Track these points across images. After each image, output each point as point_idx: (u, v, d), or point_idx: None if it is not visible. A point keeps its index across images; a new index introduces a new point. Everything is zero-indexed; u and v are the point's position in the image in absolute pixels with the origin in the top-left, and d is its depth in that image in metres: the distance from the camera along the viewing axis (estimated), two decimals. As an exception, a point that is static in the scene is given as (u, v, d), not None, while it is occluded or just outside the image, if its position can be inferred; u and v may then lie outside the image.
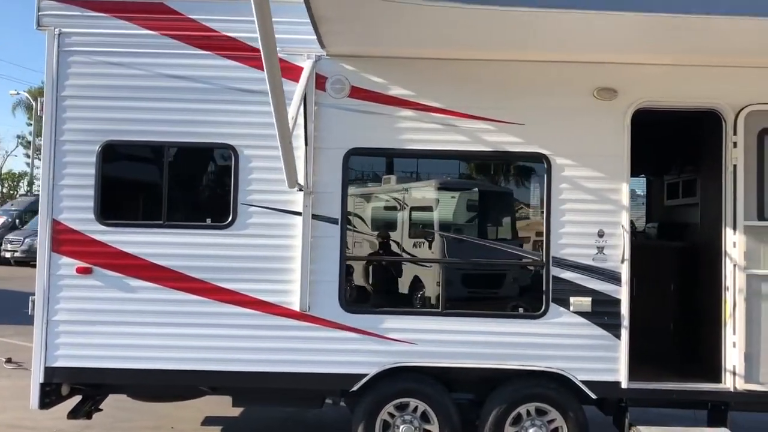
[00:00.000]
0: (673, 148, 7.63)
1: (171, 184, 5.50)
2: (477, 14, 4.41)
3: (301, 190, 5.19)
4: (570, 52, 5.35)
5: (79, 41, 5.48)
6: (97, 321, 5.40)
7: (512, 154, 5.51)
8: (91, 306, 5.41)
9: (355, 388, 5.39)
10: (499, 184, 5.76)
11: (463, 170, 5.73)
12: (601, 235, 5.43)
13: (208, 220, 5.55)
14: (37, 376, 5.37)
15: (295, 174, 4.90)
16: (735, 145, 5.44)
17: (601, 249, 5.43)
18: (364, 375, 5.37)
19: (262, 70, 5.37)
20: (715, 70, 5.47)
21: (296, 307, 5.39)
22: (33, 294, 5.44)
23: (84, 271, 5.39)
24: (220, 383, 5.49)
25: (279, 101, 4.41)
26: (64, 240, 5.42)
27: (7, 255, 25.94)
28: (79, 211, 5.43)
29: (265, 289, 5.42)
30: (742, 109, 5.43)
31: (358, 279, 5.57)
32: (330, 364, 5.39)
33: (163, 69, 5.48)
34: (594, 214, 5.46)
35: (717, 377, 5.56)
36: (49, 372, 5.38)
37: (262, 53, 4.19)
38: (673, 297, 7.23)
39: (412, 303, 5.58)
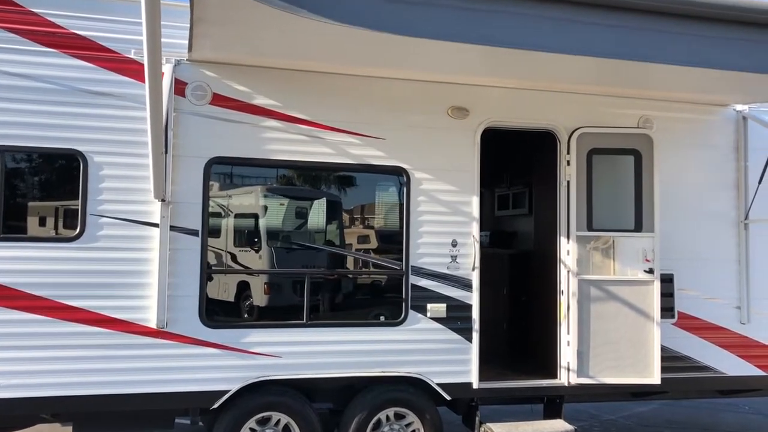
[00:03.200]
0: (505, 164, 8.29)
1: (9, 192, 4.97)
2: (342, 30, 4.48)
3: (163, 200, 4.94)
4: (426, 72, 5.63)
5: None
6: None
7: (375, 167, 5.67)
8: None
9: (215, 406, 5.22)
10: (362, 195, 5.89)
11: (325, 182, 5.78)
12: (454, 244, 5.77)
13: (53, 233, 5.08)
14: None
15: (164, 185, 4.66)
16: (568, 163, 6.04)
17: (454, 258, 5.76)
18: (226, 391, 5.24)
19: (114, 71, 5.13)
20: (551, 94, 6.05)
21: (152, 324, 5.13)
22: None
23: None
24: (63, 409, 5.05)
25: (157, 108, 4.20)
26: None
27: None
28: None
29: (118, 305, 5.09)
30: (575, 130, 6.05)
31: (220, 293, 5.41)
32: (189, 382, 5.20)
33: (1, 65, 4.94)
34: (448, 225, 5.79)
35: (552, 373, 6.13)
36: None
37: (145, 57, 3.96)
38: (505, 300, 7.87)
39: (275, 315, 5.53)
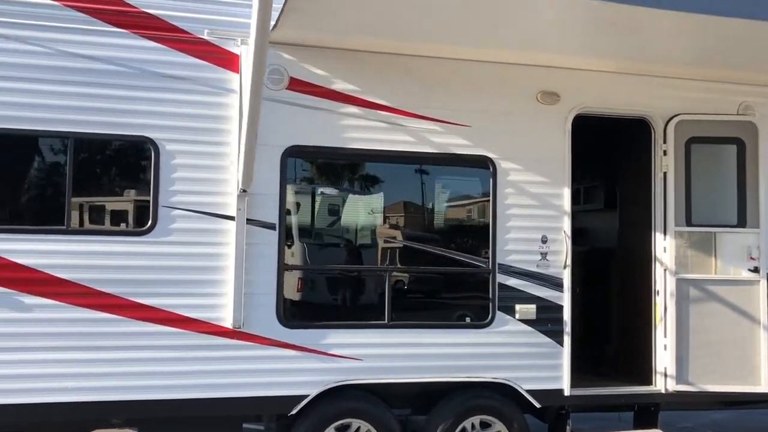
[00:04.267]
0: (576, 155, 7.87)
1: (76, 182, 4.67)
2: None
3: (244, 191, 4.61)
4: (520, 52, 5.25)
5: (-42, 7, 4.51)
6: (-17, 348, 4.46)
7: (459, 157, 5.30)
8: (-27, 330, 4.45)
9: (294, 412, 4.89)
10: (445, 187, 5.54)
11: (406, 173, 5.43)
12: (544, 240, 5.39)
13: (123, 226, 4.79)
14: None
15: (252, 174, 4.33)
16: (665, 153, 5.63)
17: (544, 255, 5.38)
18: (305, 396, 4.91)
19: (186, 53, 4.83)
20: (646, 79, 5.64)
21: (228, 324, 4.81)
22: None
23: (-37, 288, 4.43)
24: (135, 414, 4.75)
25: (257, 95, 3.85)
26: (-64, 249, 4.42)
27: None
28: (-45, 214, 4.46)
29: (191, 304, 4.78)
30: (672, 118, 5.63)
31: (298, 291, 5.08)
32: (266, 386, 4.88)
33: (68, 47, 4.65)
34: (537, 220, 5.41)
35: (646, 379, 5.72)
36: None
37: (253, 41, 3.61)
38: (578, 300, 7.45)
39: (355, 315, 5.19)
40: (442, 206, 5.56)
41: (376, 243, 5.46)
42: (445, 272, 5.48)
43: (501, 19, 4.65)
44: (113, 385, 4.64)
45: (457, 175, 5.55)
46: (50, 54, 4.63)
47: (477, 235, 5.41)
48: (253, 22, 3.59)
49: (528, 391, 5.29)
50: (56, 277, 4.57)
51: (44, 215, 4.71)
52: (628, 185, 6.56)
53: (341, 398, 5.02)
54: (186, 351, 4.76)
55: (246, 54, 4.79)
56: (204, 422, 5.07)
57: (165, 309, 4.73)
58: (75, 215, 4.67)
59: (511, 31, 4.89)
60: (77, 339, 4.59)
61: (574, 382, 5.44)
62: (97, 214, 4.79)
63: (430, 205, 5.52)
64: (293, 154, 4.99)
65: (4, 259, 4.50)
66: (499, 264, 5.29)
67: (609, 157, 7.02)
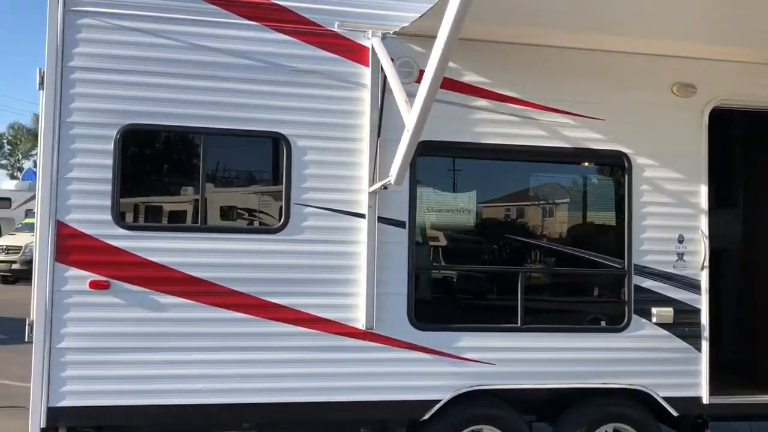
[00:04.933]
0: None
1: (209, 179, 4.62)
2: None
3: (385, 188, 4.49)
4: (655, 41, 5.02)
5: (92, 0, 4.48)
6: (117, 348, 4.44)
7: (592, 152, 5.10)
8: (109, 329, 4.43)
9: (426, 417, 4.75)
10: (578, 183, 5.34)
11: (538, 168, 5.25)
12: (681, 240, 5.15)
13: (256, 223, 4.71)
14: (37, 420, 4.32)
15: (405, 173, 4.20)
16: (808, 148, 5.33)
17: (681, 255, 5.15)
18: (437, 401, 4.76)
19: (317, 46, 4.73)
20: (787, 69, 5.33)
21: (360, 325, 4.69)
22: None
23: (99, 286, 4.40)
24: (266, 418, 4.67)
25: (433, 89, 3.71)
26: (73, 247, 4.40)
27: None
28: (92, 211, 4.43)
29: (323, 304, 4.68)
30: (817, 112, 5.34)
31: (428, 291, 4.94)
32: (398, 389, 4.75)
33: (199, 39, 4.59)
34: (674, 218, 5.18)
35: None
36: (53, 414, 4.33)
37: (444, 35, 3.46)
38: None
39: (487, 317, 5.02)
40: (575, 204, 5.36)
41: (507, 242, 5.29)
42: (579, 273, 5.28)
43: (636, 6, 4.43)
44: (245, 387, 4.56)
45: (590, 171, 5.34)
46: (182, 47, 4.57)
47: (611, 235, 5.20)
48: (450, 14, 3.42)
49: (665, 398, 5.06)
50: (191, 275, 4.51)
51: (179, 212, 4.67)
52: (756, 183, 6.25)
53: (472, 404, 4.87)
54: (318, 352, 4.66)
55: (379, 46, 4.67)
56: (322, 427, 4.98)
57: (297, 309, 4.64)
58: (209, 213, 4.61)
59: (647, 19, 4.67)
60: (211, 339, 4.52)
61: (711, 390, 5.19)
62: (229, 211, 4.73)
63: (562, 203, 5.32)
64: (424, 150, 4.85)
65: (140, 257, 4.46)
66: (635, 265, 5.07)
67: (722, 154, 6.70)
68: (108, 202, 4.44)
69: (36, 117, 58.17)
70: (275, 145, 4.70)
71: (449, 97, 4.89)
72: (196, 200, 4.59)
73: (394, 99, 4.63)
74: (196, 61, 4.58)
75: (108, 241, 4.43)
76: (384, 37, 4.80)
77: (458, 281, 5.12)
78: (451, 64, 4.82)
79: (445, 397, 4.77)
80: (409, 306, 4.77)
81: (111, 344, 4.42)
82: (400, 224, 4.79)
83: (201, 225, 4.57)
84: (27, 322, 4.44)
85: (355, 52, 4.79)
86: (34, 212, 24.03)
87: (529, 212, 5.30)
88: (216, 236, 4.58)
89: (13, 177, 61.45)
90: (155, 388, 4.44)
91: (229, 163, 4.75)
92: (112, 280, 4.42)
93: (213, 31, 4.62)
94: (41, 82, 4.42)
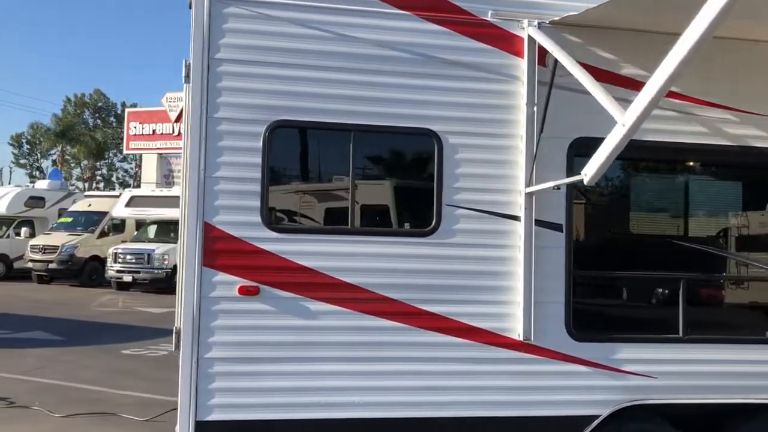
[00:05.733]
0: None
1: (358, 178, 4.40)
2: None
3: (558, 188, 4.25)
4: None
5: (239, -12, 4.28)
6: (266, 357, 4.23)
7: (756, 150, 4.81)
8: (258, 337, 4.22)
9: (583, 434, 4.51)
10: (740, 185, 5.07)
11: (700, 169, 4.98)
12: None
13: (407, 225, 4.49)
14: (185, 434, 4.11)
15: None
16: None
17: None
18: (595, 417, 4.51)
19: (470, 36, 4.49)
20: None
21: (517, 335, 4.45)
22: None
23: (249, 292, 4.20)
24: (416, 432, 4.44)
25: (666, 86, 3.46)
26: (221, 251, 4.20)
27: (33, 266, 22.91)
28: (240, 212, 4.22)
29: (477, 312, 4.45)
30: None
31: (586, 299, 4.70)
32: (555, 404, 4.50)
33: (350, 30, 4.38)
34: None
35: None
36: (202, 428, 4.13)
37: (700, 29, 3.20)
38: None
39: (647, 328, 4.76)
40: (739, 207, 5.08)
41: (667, 248, 5.02)
42: (745, 280, 5.00)
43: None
44: (397, 400, 4.34)
45: (756, 170, 5.06)
46: (331, 39, 4.36)
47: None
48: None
49: (838, 416, 4.77)
50: (341, 280, 4.30)
51: (328, 214, 4.46)
52: None
53: (632, 419, 4.61)
54: (472, 364, 4.43)
55: (543, 37, 4.42)
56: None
57: (451, 317, 4.41)
58: (358, 214, 4.39)
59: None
60: (363, 349, 4.31)
61: None
62: (379, 212, 4.51)
63: (726, 206, 5.05)
64: (580, 147, 4.60)
65: (290, 260, 4.25)
66: (805, 270, 4.80)
67: None
68: (257, 203, 4.24)
69: (56, 117, 58.65)
70: (426, 143, 4.48)
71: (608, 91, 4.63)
72: (346, 201, 4.37)
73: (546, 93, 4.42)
74: (347, 53, 4.37)
75: (257, 244, 4.23)
76: (539, 27, 4.56)
77: (617, 288, 4.87)
78: (608, 55, 4.61)
79: (604, 412, 4.53)
80: (567, 315, 4.52)
81: (260, 354, 4.22)
82: (556, 227, 4.55)
83: (351, 227, 4.36)
84: (174, 330, 4.25)
85: (510, 43, 4.56)
86: (67, 211, 24.07)
87: (690, 214, 5.03)
88: (366, 239, 4.36)
89: (32, 176, 62.05)
90: (306, 401, 4.24)
91: (379, 162, 4.53)
92: (261, 286, 4.22)
93: (364, 21, 4.40)
94: (187, 75, 4.22)
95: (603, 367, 4.55)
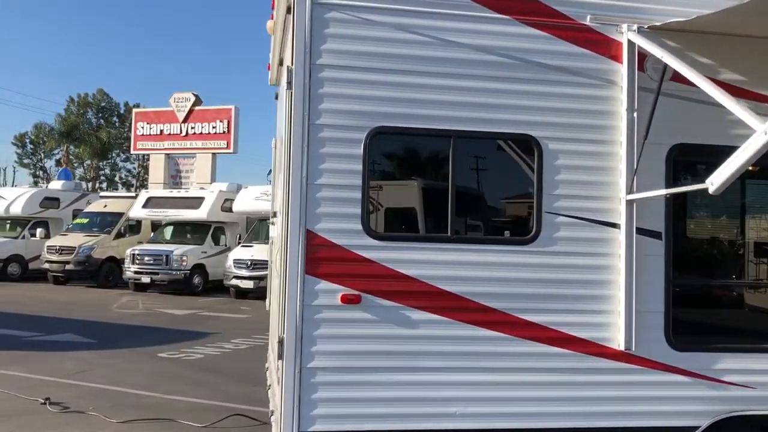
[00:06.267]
0: None
1: (458, 185, 4.37)
2: None
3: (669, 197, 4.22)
4: None
5: (340, -8, 4.25)
6: (367, 367, 4.20)
7: None
8: (359, 347, 4.20)
9: (683, 444, 4.48)
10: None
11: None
12: None
13: (506, 233, 4.46)
14: (289, 445, 4.08)
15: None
16: None
17: None
18: (695, 428, 4.49)
19: (568, 41, 4.46)
20: None
21: (617, 345, 4.42)
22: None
23: (351, 300, 4.17)
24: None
25: None
26: (323, 258, 4.17)
27: (49, 267, 22.89)
28: (342, 220, 4.20)
29: (577, 321, 4.42)
30: None
31: (685, 308, 4.66)
32: (655, 415, 4.47)
33: (449, 35, 4.35)
34: None
35: None
36: (306, 439, 4.10)
37: None
38: None
39: (746, 337, 4.73)
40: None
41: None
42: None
43: None
44: (497, 411, 4.32)
45: None
46: (431, 44, 4.33)
47: None
48: None
49: None
50: (441, 289, 4.27)
51: (427, 221, 4.44)
52: None
53: (730, 430, 4.58)
54: (572, 374, 4.40)
55: (648, 43, 4.38)
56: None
57: (551, 327, 4.38)
58: (458, 221, 4.36)
59: None
60: (462, 359, 4.29)
61: None
62: (478, 220, 4.49)
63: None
64: (680, 153, 4.57)
65: (390, 269, 4.22)
66: None
67: None
68: (358, 210, 4.21)
69: (60, 117, 58.58)
70: (526, 149, 4.44)
71: (705, 97, 4.59)
72: (445, 208, 4.34)
73: (645, 98, 4.39)
74: (447, 58, 4.34)
75: (359, 252, 4.20)
76: (638, 31, 4.53)
77: (717, 297, 4.83)
78: (707, 60, 4.57)
79: (704, 423, 4.50)
80: (667, 324, 4.50)
81: (361, 363, 4.19)
82: (656, 235, 4.52)
83: (451, 235, 4.32)
84: (277, 339, 4.22)
85: (608, 48, 4.53)
86: (83, 212, 24.01)
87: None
88: (465, 247, 4.33)
89: (35, 176, 62.04)
90: (406, 411, 4.21)
91: (477, 168, 4.49)
92: (363, 294, 4.19)
93: (464, 25, 4.37)
94: (289, 81, 4.19)
95: (703, 377, 4.52)
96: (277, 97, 7.00)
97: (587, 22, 4.51)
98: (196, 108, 33.38)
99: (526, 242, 4.40)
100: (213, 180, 31.98)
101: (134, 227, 25.26)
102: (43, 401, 7.72)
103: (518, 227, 4.49)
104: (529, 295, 4.37)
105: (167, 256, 21.95)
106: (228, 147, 32.82)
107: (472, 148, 4.44)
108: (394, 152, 4.46)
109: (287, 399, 4.09)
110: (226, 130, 32.84)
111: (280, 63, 5.66)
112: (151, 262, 22.17)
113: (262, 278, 20.55)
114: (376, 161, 4.29)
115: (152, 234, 24.45)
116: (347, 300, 4.16)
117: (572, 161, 4.46)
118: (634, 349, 4.42)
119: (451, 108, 4.33)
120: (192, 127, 33.38)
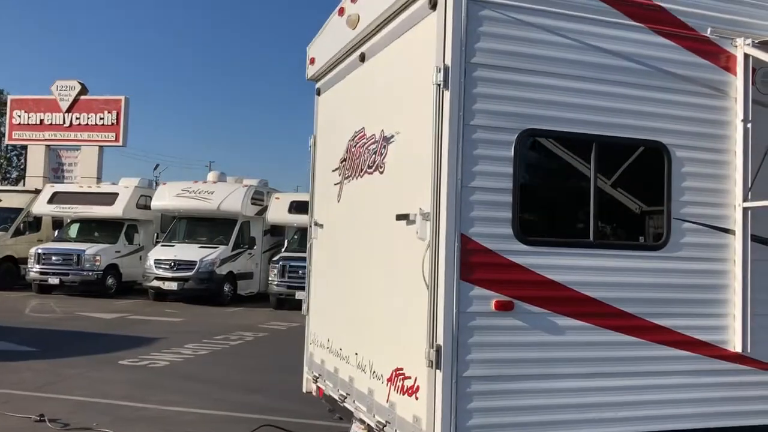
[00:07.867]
0: None
1: (599, 190, 4.45)
2: None
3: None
4: None
5: (494, -8, 4.22)
6: (520, 375, 4.19)
7: None
8: (511, 354, 4.18)
9: (794, 443, 4.79)
10: None
11: None
12: None
13: (641, 239, 4.59)
14: (446, 457, 4.01)
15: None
16: None
17: None
18: (802, 426, 4.81)
19: (694, 53, 4.69)
20: None
21: (734, 348, 4.66)
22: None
23: (504, 307, 4.15)
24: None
25: None
26: (477, 264, 4.12)
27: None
28: (494, 224, 4.17)
29: (700, 325, 4.63)
30: None
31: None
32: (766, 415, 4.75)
33: (594, 40, 4.43)
34: None
35: None
36: (461, 449, 4.04)
37: None
38: None
39: None
40: None
41: None
42: None
43: None
44: (633, 415, 4.44)
45: None
46: (578, 47, 4.39)
47: None
48: None
49: None
50: (584, 295, 4.34)
51: (569, 227, 4.49)
52: None
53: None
54: (695, 377, 4.60)
55: (755, 53, 4.65)
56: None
57: (676, 330, 4.56)
58: (597, 227, 4.44)
59: None
60: (603, 365, 4.37)
61: None
62: (616, 226, 4.58)
63: None
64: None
65: (539, 274, 4.24)
66: None
67: None
68: (508, 214, 4.20)
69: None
70: (655, 156, 4.59)
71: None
72: (587, 213, 4.42)
73: (757, 112, 4.68)
74: (589, 62, 4.41)
75: (510, 257, 4.19)
76: (752, 45, 4.79)
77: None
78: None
79: (808, 422, 4.83)
80: (778, 327, 4.79)
81: (513, 371, 4.18)
82: (765, 241, 4.80)
83: (594, 240, 4.40)
84: (434, 347, 4.11)
85: (724, 60, 4.76)
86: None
87: None
88: (606, 252, 4.42)
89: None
90: (557, 419, 4.24)
91: (614, 173, 4.58)
92: (515, 301, 4.18)
93: (605, 31, 4.46)
94: (445, 80, 4.10)
95: (808, 378, 4.84)
96: (319, 93, 6.80)
97: (707, 34, 4.72)
98: (82, 97, 31.46)
99: (658, 248, 4.55)
100: (99, 175, 30.35)
101: (33, 224, 23.62)
102: (38, 418, 7.13)
103: (650, 233, 4.63)
104: (659, 299, 4.52)
105: (79, 255, 20.74)
106: (117, 140, 31.14)
107: (610, 154, 4.53)
108: (540, 155, 4.47)
109: (445, 407, 4.01)
110: (115, 121, 31.23)
111: (361, 59, 5.51)
112: (60, 262, 20.86)
113: (187, 279, 19.85)
114: (524, 164, 4.29)
115: (56, 232, 22.95)
116: (501, 306, 4.14)
117: (696, 169, 4.66)
118: (749, 351, 4.67)
119: (593, 112, 4.41)
120: (77, 118, 31.46)
